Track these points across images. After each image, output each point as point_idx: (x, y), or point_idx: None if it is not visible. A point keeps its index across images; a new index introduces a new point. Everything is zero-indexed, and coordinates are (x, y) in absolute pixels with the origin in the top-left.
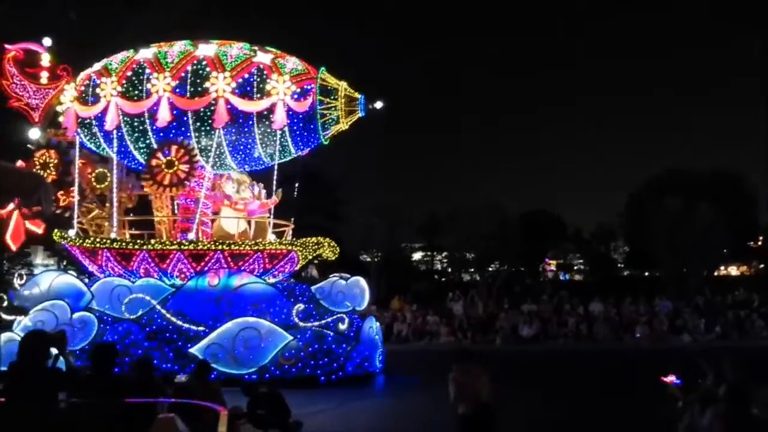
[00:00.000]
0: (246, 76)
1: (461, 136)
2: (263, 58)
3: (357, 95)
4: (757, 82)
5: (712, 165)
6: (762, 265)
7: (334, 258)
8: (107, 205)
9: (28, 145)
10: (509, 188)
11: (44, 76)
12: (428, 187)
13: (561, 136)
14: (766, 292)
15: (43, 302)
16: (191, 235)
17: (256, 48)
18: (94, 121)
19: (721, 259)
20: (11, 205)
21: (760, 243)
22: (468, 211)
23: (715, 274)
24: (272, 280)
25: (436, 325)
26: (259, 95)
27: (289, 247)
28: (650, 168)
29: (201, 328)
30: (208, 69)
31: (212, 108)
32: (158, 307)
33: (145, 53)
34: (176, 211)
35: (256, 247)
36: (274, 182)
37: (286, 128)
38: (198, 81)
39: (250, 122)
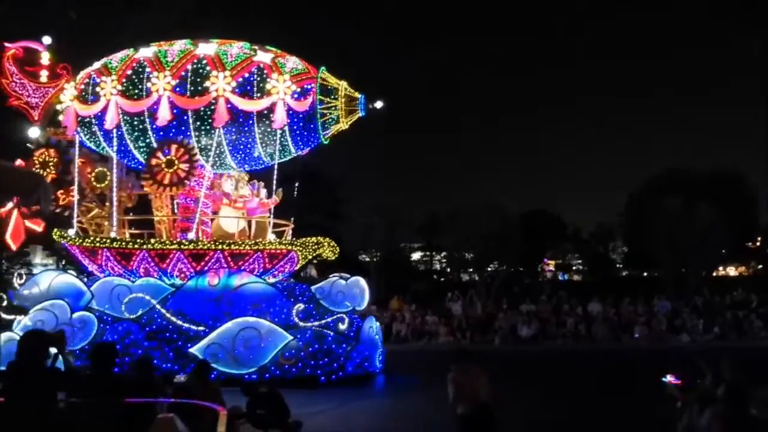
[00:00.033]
0: (246, 75)
1: (461, 136)
2: (263, 57)
3: (357, 95)
4: (757, 82)
5: (712, 165)
6: (760, 266)
7: (333, 258)
8: (107, 204)
9: (28, 144)
10: (509, 188)
11: (44, 75)
12: (428, 187)
13: (561, 136)
14: (765, 292)
15: (43, 302)
16: (191, 235)
17: (256, 47)
18: (94, 120)
19: (720, 259)
20: (10, 204)
21: (758, 244)
22: (468, 210)
23: (714, 274)
24: (272, 280)
25: (435, 325)
26: (259, 94)
27: (289, 247)
28: (650, 168)
29: (201, 328)
30: (208, 68)
31: (212, 107)
32: (158, 306)
33: (145, 52)
34: (176, 211)
35: (256, 247)
36: (274, 182)
37: (286, 128)
38: (198, 80)
39: (250, 121)
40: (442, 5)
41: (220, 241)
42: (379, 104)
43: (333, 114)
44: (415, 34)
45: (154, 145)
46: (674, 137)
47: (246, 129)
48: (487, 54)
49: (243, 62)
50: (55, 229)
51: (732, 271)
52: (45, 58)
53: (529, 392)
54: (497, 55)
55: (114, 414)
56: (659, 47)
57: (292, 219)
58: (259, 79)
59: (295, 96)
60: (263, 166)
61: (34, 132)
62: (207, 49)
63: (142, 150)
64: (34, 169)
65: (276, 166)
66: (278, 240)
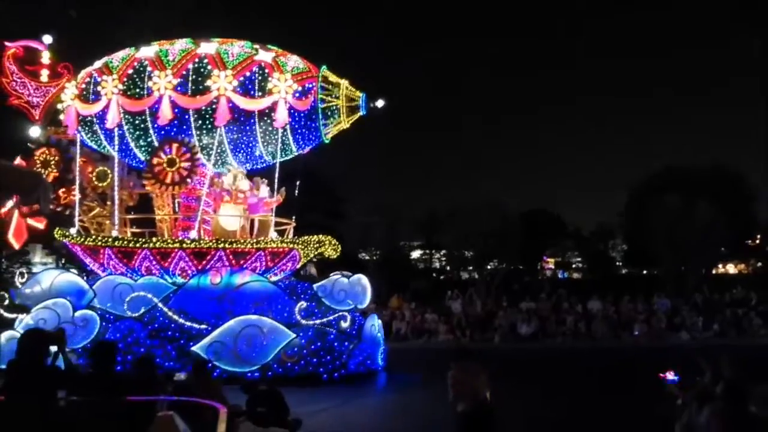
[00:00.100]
0: (247, 74)
1: (462, 135)
2: (265, 56)
3: (358, 94)
4: (757, 82)
5: (712, 162)
6: (760, 264)
7: (335, 256)
8: (108, 203)
9: (29, 144)
10: (509, 187)
11: (44, 74)
12: (428, 186)
13: (561, 135)
14: (764, 290)
15: (45, 300)
16: (193, 233)
17: (257, 46)
18: (95, 119)
19: (719, 257)
20: (10, 203)
21: (758, 241)
22: (468, 208)
23: (714, 272)
24: (274, 279)
25: (435, 323)
26: (260, 93)
27: (291, 246)
28: (650, 168)
29: (203, 326)
30: (209, 67)
31: (214, 106)
32: (160, 305)
33: (147, 51)
34: (177, 210)
35: (258, 245)
36: (276, 180)
37: (287, 126)
38: (199, 79)
39: (252, 120)
40: (442, 5)
41: (222, 239)
42: (380, 103)
43: (334, 113)
44: (415, 34)
45: (156, 144)
46: (674, 137)
47: (247, 128)
48: (487, 54)
49: (244, 61)
50: (57, 228)
51: (731, 268)
52: (45, 57)
53: (529, 390)
54: (497, 55)
55: (114, 412)
56: (659, 47)
57: (294, 218)
58: (260, 78)
59: (297, 95)
60: (264, 164)
61: (34, 131)
62: (208, 48)
63: (143, 149)
64: (35, 168)
65: (278, 165)
66: (280, 238)
